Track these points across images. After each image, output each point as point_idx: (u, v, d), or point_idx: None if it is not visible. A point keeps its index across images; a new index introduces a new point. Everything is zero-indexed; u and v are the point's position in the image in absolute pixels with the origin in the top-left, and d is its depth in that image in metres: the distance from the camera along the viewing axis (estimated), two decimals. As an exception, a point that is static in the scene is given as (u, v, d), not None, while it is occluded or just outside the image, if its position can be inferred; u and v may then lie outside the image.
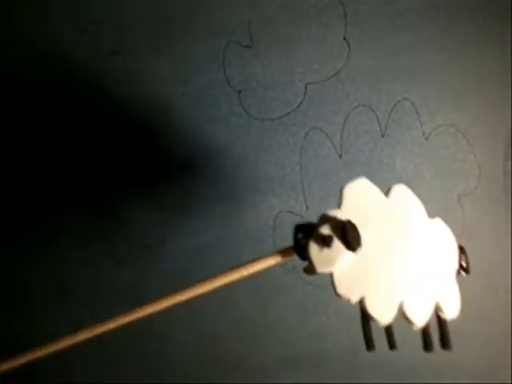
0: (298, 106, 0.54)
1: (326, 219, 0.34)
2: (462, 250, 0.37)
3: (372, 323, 0.34)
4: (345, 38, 0.54)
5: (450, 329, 0.57)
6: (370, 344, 0.35)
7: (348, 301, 0.34)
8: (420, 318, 0.35)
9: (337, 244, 0.33)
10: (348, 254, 0.33)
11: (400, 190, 0.37)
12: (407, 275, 0.34)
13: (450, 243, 0.37)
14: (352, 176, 0.54)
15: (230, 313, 0.54)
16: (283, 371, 0.54)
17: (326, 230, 0.33)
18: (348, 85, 0.54)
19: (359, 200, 0.36)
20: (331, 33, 0.54)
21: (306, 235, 0.34)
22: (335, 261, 0.33)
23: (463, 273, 0.37)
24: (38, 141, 0.53)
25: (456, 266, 0.36)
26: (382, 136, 0.55)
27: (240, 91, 0.54)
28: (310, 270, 0.34)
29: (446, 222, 0.56)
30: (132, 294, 0.53)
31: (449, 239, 0.37)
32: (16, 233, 0.54)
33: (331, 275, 0.34)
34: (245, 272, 0.37)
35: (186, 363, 0.54)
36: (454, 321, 0.56)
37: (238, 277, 0.37)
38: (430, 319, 0.35)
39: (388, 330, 0.35)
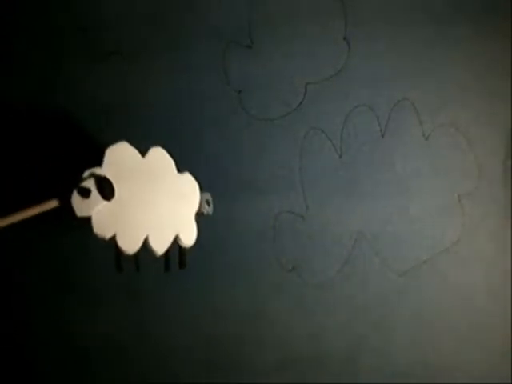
0: (298, 106, 0.54)
1: (88, 175, 0.44)
2: (207, 202, 0.49)
3: (123, 253, 0.44)
4: (345, 38, 0.54)
5: (450, 329, 0.57)
6: (119, 268, 0.45)
7: (103, 237, 0.43)
8: (160, 248, 0.45)
9: (95, 195, 0.43)
10: (104, 202, 0.44)
11: (155, 152, 0.46)
12: (152, 217, 0.45)
13: (193, 192, 0.48)
14: (352, 176, 0.55)
15: (228, 313, 0.54)
16: (282, 371, 0.54)
17: (87, 183, 0.43)
18: (348, 85, 0.54)
19: (118, 159, 0.45)
20: (331, 33, 0.54)
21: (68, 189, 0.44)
22: (92, 208, 0.43)
23: (202, 212, 0.48)
24: (36, 141, 0.53)
25: (195, 209, 0.47)
26: (382, 136, 0.55)
27: (240, 91, 0.54)
28: (74, 214, 0.44)
29: (446, 221, 0.56)
30: (132, 294, 0.53)
31: (193, 189, 0.47)
32: (16, 233, 0.54)
33: (90, 219, 0.43)
34: (20, 217, 0.45)
35: (183, 363, 0.54)
36: (454, 320, 0.56)
37: (14, 220, 0.45)
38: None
39: (135, 256, 0.45)
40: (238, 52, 0.54)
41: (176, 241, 0.46)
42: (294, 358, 0.54)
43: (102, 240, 0.44)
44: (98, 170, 0.44)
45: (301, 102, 0.54)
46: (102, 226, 0.44)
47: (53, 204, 0.45)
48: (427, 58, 0.54)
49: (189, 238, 0.47)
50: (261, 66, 0.54)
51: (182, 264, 0.48)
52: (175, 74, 0.53)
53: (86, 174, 0.44)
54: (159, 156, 0.46)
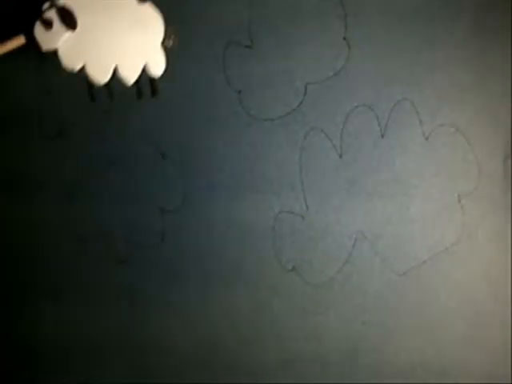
0: (298, 106, 0.54)
1: (48, 6, 0.44)
2: (175, 31, 0.49)
3: (94, 83, 0.46)
4: (345, 38, 0.54)
5: (450, 329, 0.57)
6: (92, 98, 0.48)
7: (72, 69, 0.44)
8: (130, 77, 0.47)
9: (57, 25, 0.43)
10: (68, 33, 0.44)
11: None
12: (119, 46, 0.46)
13: (157, 22, 0.48)
14: (352, 176, 0.55)
15: (228, 313, 0.54)
16: (282, 371, 0.54)
17: (48, 14, 0.43)
18: (348, 85, 0.54)
19: None
20: (331, 33, 0.54)
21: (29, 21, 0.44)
22: (58, 39, 0.43)
23: (169, 42, 0.49)
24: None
25: (161, 38, 0.48)
26: (382, 136, 0.55)
27: (240, 91, 0.54)
28: (39, 48, 0.44)
29: (446, 221, 0.56)
30: (132, 294, 0.53)
31: (156, 19, 0.48)
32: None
33: (56, 51, 0.44)
34: None
35: (183, 363, 0.54)
36: (454, 320, 0.56)
37: None
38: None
39: (107, 86, 0.47)
40: (238, 52, 0.54)
41: (145, 71, 0.48)
42: (293, 358, 0.54)
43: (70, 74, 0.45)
44: (57, 0, 0.44)
45: (301, 102, 0.54)
46: (70, 58, 0.44)
47: (20, 41, 0.45)
48: (427, 58, 0.54)
49: (157, 67, 0.49)
50: (261, 66, 0.54)
51: (154, 92, 0.50)
52: (175, 73, 0.53)
53: (45, 5, 0.44)
54: None
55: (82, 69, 0.45)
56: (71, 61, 0.44)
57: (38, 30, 0.43)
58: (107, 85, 0.47)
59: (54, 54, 0.45)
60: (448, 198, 0.55)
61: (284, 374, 0.54)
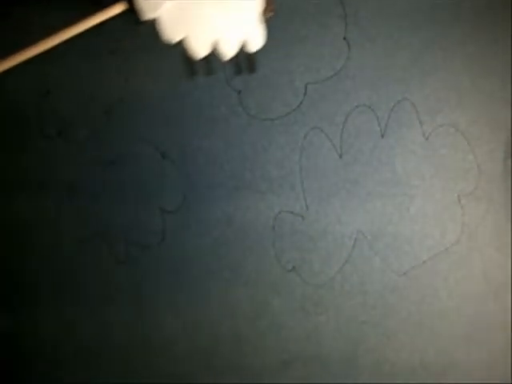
0: (298, 106, 0.54)
1: None
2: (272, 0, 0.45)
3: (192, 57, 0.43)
4: (345, 38, 0.54)
5: (450, 329, 0.57)
6: (192, 73, 0.44)
7: (171, 41, 0.41)
8: (229, 51, 0.44)
9: None
10: (170, 1, 0.40)
11: None
12: (221, 18, 0.42)
13: None
14: (352, 176, 0.55)
15: (227, 313, 0.54)
16: (282, 371, 0.54)
17: None
18: (348, 85, 0.54)
19: None
20: (331, 33, 0.54)
21: None
22: (159, 7, 0.39)
23: (268, 14, 0.45)
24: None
25: (260, 9, 0.44)
26: (382, 136, 0.55)
27: (240, 91, 0.54)
28: (139, 17, 0.40)
29: (446, 221, 0.56)
30: (132, 294, 0.53)
31: None
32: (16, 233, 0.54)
33: (157, 20, 0.40)
34: (92, 22, 0.42)
35: (183, 363, 0.54)
36: (454, 320, 0.56)
37: (85, 27, 0.42)
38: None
39: (206, 60, 0.43)
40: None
41: (243, 45, 0.45)
42: (293, 358, 0.54)
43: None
44: None
45: (301, 102, 0.54)
46: (171, 29, 0.41)
47: (121, 7, 0.41)
48: (427, 57, 0.54)
49: (257, 41, 0.45)
50: (261, 66, 0.54)
51: (251, 68, 0.47)
52: (175, 73, 0.53)
53: None
54: None
55: (183, 40, 0.41)
56: (172, 32, 0.41)
57: None
58: (206, 58, 0.43)
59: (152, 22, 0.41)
60: (448, 198, 0.55)
61: (284, 374, 0.54)
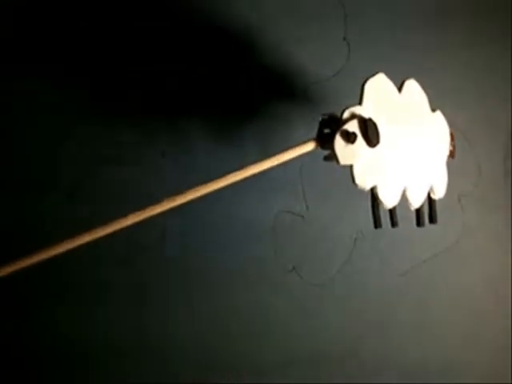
0: (299, 106, 0.54)
1: (350, 116, 0.37)
2: (452, 136, 0.41)
3: (380, 206, 0.39)
4: (345, 38, 0.54)
5: (450, 329, 0.57)
6: (377, 223, 0.40)
7: (363, 189, 0.38)
8: (417, 200, 0.40)
9: (359, 140, 0.36)
10: (367, 149, 0.37)
11: (410, 85, 0.40)
12: (410, 165, 0.39)
13: (445, 132, 0.40)
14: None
15: (229, 313, 0.54)
16: (282, 371, 0.54)
17: (351, 126, 0.36)
18: (348, 85, 0.54)
19: (377, 96, 0.38)
20: (331, 33, 0.54)
21: (331, 128, 0.38)
22: (356, 155, 0.37)
23: (450, 157, 0.41)
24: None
25: (447, 152, 0.40)
26: (382, 136, 0.55)
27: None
28: (332, 159, 0.38)
29: (446, 221, 0.56)
30: (132, 294, 0.53)
31: (444, 129, 0.40)
32: (16, 233, 0.54)
33: (351, 167, 0.37)
34: (277, 161, 0.40)
35: (183, 363, 0.54)
36: (454, 320, 0.56)
37: (271, 165, 0.40)
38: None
39: (392, 211, 0.40)
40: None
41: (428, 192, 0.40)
42: (294, 358, 0.54)
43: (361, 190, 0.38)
44: (358, 110, 0.38)
45: (301, 102, 0.54)
46: (364, 177, 0.37)
47: (310, 146, 0.39)
48: (427, 58, 0.55)
49: (442, 188, 0.41)
50: (261, 65, 0.54)
51: (433, 218, 0.42)
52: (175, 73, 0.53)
53: (346, 114, 0.38)
54: (414, 91, 0.40)
55: (373, 189, 0.38)
56: (364, 180, 0.37)
57: (339, 143, 0.37)
58: (391, 208, 0.40)
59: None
60: (448, 198, 0.55)
61: (284, 374, 0.54)
